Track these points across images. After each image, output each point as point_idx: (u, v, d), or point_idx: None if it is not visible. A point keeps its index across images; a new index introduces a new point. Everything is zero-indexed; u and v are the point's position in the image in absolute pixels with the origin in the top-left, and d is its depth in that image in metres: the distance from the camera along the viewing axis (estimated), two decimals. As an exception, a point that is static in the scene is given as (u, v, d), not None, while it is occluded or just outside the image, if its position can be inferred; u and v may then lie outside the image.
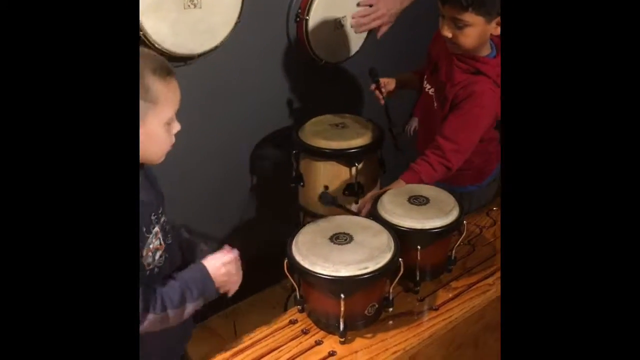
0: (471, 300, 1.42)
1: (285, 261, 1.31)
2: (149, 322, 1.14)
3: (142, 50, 1.14)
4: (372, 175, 1.91)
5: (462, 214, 1.44)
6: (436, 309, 1.39)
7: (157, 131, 1.17)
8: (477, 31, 1.56)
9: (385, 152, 1.92)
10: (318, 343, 1.30)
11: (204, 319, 2.15)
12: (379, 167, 1.92)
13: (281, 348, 1.29)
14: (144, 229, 1.17)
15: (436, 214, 1.41)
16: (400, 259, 1.29)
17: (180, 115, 1.22)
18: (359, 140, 1.85)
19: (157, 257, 1.20)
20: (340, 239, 1.31)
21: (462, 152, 1.62)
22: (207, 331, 2.16)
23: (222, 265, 1.23)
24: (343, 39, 2.11)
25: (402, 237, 1.36)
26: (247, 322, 1.86)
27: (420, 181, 1.59)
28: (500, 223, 1.69)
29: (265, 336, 1.32)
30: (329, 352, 1.27)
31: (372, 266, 1.24)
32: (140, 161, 1.17)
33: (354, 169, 1.81)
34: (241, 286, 1.30)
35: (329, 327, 1.32)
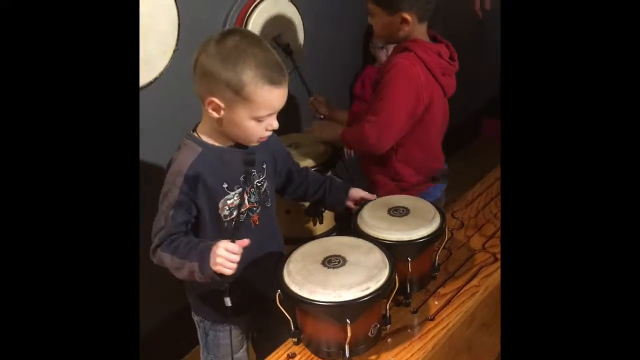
0: (463, 304, 1.40)
1: (278, 293, 1.24)
2: (160, 256, 1.29)
3: (259, 47, 1.23)
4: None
5: (444, 219, 1.42)
6: (432, 319, 1.37)
7: (245, 123, 1.26)
8: (380, 22, 1.66)
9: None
10: (323, 374, 1.23)
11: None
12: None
13: (285, 386, 1.21)
14: (226, 186, 1.33)
15: (420, 223, 1.38)
16: (395, 274, 1.26)
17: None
18: (314, 159, 1.82)
19: (234, 212, 1.33)
20: (334, 261, 1.25)
21: (381, 123, 1.62)
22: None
23: (224, 249, 1.21)
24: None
25: (392, 251, 1.32)
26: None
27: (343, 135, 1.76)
28: (469, 224, 1.71)
29: (266, 377, 1.24)
30: (336, 382, 1.21)
31: (374, 285, 1.20)
32: (231, 139, 1.33)
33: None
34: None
35: (331, 355, 1.26)
